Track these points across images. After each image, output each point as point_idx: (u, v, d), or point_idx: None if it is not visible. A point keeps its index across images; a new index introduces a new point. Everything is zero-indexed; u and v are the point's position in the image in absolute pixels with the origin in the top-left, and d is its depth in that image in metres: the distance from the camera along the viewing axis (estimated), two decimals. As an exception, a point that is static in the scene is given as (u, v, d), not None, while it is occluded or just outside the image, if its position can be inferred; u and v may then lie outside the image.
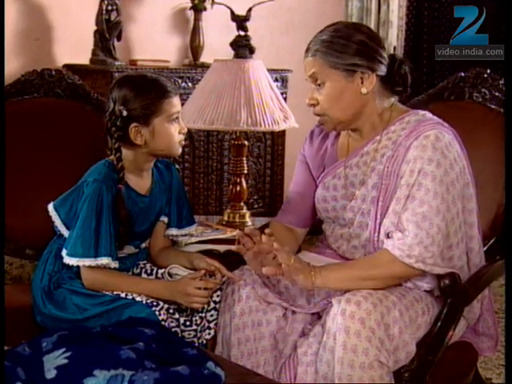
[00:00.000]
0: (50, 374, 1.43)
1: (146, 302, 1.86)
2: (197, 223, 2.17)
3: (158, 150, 1.96)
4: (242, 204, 2.78)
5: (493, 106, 2.13)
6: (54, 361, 1.46)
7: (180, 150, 2.00)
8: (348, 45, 1.83)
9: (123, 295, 1.89)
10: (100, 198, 1.89)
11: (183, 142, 2.00)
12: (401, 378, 1.75)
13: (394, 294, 1.76)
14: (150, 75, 1.99)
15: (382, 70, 1.86)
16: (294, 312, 1.87)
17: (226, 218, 2.76)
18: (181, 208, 2.08)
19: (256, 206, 4.06)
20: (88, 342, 1.51)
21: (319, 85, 1.86)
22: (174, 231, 2.08)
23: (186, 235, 2.13)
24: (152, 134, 1.93)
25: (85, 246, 1.88)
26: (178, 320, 1.89)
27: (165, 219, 2.08)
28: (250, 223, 2.75)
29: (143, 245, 2.07)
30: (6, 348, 1.54)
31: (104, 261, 1.87)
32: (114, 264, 1.91)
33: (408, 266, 1.76)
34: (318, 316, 1.86)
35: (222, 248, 2.54)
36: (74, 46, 3.60)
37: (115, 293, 1.90)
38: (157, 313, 1.84)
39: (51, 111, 2.29)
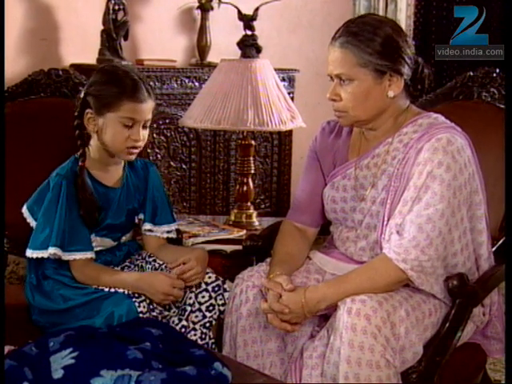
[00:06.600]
0: (57, 373, 1.44)
1: (128, 293, 1.88)
2: (177, 222, 2.16)
3: (106, 145, 1.98)
4: (248, 204, 2.77)
5: (502, 106, 2.11)
6: (61, 361, 1.46)
7: (131, 157, 2.00)
8: (382, 44, 1.78)
9: (107, 289, 1.92)
10: (58, 192, 1.94)
11: (135, 151, 1.98)
12: (408, 379, 1.74)
13: (400, 294, 1.75)
14: (132, 74, 1.97)
15: (409, 73, 1.83)
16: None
17: (232, 218, 2.76)
18: (155, 205, 2.09)
19: (263, 206, 4.06)
20: (95, 342, 1.51)
21: (344, 81, 1.80)
22: (147, 226, 2.09)
23: (170, 232, 2.12)
24: (102, 126, 1.95)
25: (40, 238, 1.94)
26: (156, 318, 1.89)
27: (141, 216, 2.11)
28: (256, 223, 2.74)
29: (123, 238, 2.10)
30: (9, 347, 1.54)
31: (51, 251, 1.92)
32: (91, 255, 1.96)
33: (403, 271, 1.73)
34: (324, 318, 1.85)
35: (228, 248, 2.53)
36: (80, 45, 3.59)
37: (100, 287, 1.93)
38: (136, 304, 1.85)
39: (58, 111, 2.29)
